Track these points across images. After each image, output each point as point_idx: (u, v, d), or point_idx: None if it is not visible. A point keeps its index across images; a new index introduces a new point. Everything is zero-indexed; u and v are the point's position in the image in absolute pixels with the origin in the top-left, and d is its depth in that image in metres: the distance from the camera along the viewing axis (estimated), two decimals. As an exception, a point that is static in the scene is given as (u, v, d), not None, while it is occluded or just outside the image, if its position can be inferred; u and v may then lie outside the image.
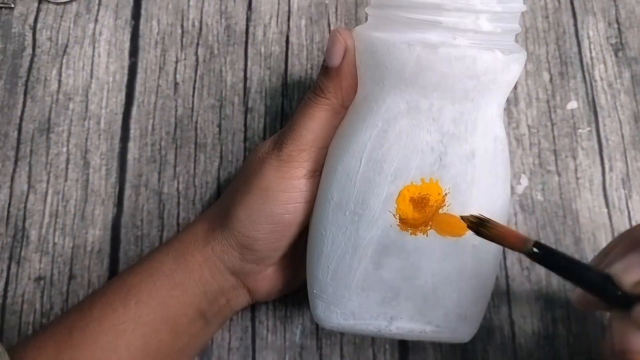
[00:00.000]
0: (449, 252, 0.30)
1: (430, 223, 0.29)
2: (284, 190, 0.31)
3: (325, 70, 0.31)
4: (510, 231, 0.27)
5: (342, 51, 0.30)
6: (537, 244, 0.25)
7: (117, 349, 0.31)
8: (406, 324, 0.31)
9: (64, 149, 0.42)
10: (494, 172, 0.30)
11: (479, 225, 0.27)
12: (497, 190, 0.30)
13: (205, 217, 0.35)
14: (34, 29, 0.45)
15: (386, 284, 0.30)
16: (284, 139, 0.32)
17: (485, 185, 0.30)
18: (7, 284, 0.39)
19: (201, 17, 0.45)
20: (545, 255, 0.26)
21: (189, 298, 0.33)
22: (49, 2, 0.45)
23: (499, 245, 0.28)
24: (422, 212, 0.29)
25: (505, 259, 0.39)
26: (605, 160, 0.41)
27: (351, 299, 0.30)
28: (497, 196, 0.30)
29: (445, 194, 0.29)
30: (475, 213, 0.27)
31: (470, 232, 0.28)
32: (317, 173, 0.32)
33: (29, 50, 0.44)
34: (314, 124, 0.31)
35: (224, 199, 0.35)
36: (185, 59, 0.44)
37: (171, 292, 0.33)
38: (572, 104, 0.42)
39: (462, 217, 0.27)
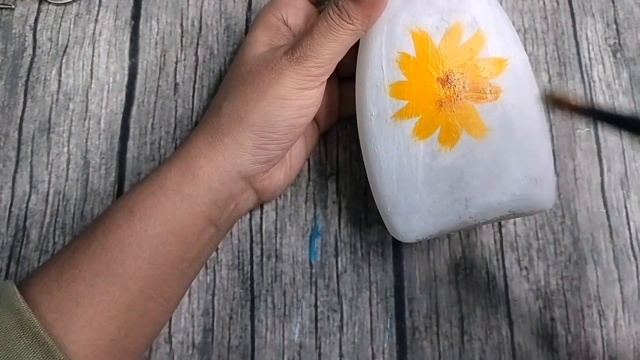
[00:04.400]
0: (493, 116, 0.31)
1: (464, 95, 0.31)
2: (300, 98, 0.33)
3: (356, 0, 0.31)
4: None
5: None
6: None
7: (123, 263, 0.31)
8: (482, 201, 0.31)
9: (65, 149, 0.42)
10: (500, 32, 0.32)
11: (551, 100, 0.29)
12: (513, 46, 0.32)
13: (204, 130, 0.35)
14: (34, 30, 0.45)
15: (448, 169, 0.31)
16: (304, 53, 0.32)
17: (499, 46, 0.32)
18: (7, 283, 0.39)
19: (201, 17, 0.45)
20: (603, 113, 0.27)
21: (198, 208, 0.33)
22: (49, 2, 0.45)
23: (539, 102, 0.31)
24: (452, 88, 0.31)
25: (504, 259, 0.39)
26: (604, 161, 0.41)
27: (423, 198, 0.31)
28: (508, 48, 0.32)
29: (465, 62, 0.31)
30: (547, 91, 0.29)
31: (503, 94, 0.31)
32: (328, 79, 0.34)
33: (29, 51, 0.44)
34: (336, 46, 0.32)
35: (224, 107, 0.35)
36: (185, 59, 0.44)
37: (178, 204, 0.33)
38: (571, 105, 0.42)
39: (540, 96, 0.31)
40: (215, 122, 0.34)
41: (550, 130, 0.42)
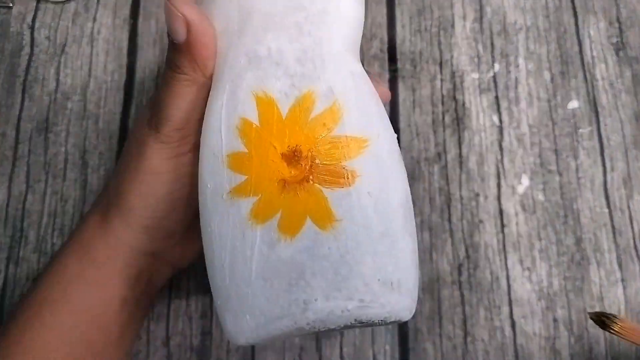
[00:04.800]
0: (345, 206, 0.26)
1: (311, 177, 0.26)
2: (172, 170, 0.30)
3: (174, 45, 0.28)
4: (636, 327, 0.26)
5: (184, 26, 0.27)
6: None
7: None
8: (323, 305, 0.25)
9: (62, 149, 0.42)
10: (362, 107, 0.27)
11: (603, 321, 0.27)
12: (377, 125, 0.28)
13: (95, 210, 0.33)
14: (32, 28, 0.44)
15: (287, 263, 0.26)
16: (158, 119, 0.29)
17: (358, 124, 0.27)
18: (5, 284, 0.39)
19: (200, 16, 0.45)
20: None
21: (108, 292, 0.31)
22: (47, 1, 0.45)
23: (402, 191, 0.27)
24: (298, 167, 0.26)
25: (506, 258, 0.39)
26: (607, 160, 0.41)
27: (256, 295, 0.26)
28: (370, 126, 0.27)
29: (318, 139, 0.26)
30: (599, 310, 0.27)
31: (359, 180, 0.26)
32: None
33: (27, 50, 0.44)
34: (181, 102, 0.29)
35: (110, 185, 0.33)
36: (184, 58, 0.44)
37: (85, 291, 0.31)
38: (573, 104, 0.42)
39: (589, 313, 0.29)
40: (104, 201, 0.32)
41: (552, 131, 0.41)
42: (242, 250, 0.26)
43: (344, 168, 0.26)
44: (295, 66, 0.27)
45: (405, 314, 0.27)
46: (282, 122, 0.27)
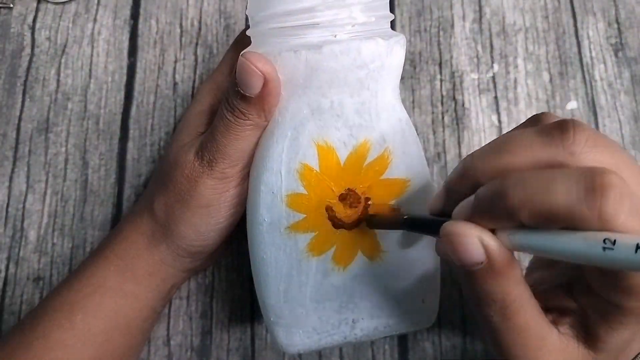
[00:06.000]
0: (389, 239, 0.30)
1: (362, 217, 0.30)
2: (223, 202, 0.32)
3: (242, 96, 0.29)
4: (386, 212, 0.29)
5: (261, 81, 0.28)
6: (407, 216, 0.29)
7: None
8: (369, 323, 0.31)
9: (63, 149, 0.42)
10: (407, 152, 0.31)
11: (368, 220, 0.30)
12: (417, 166, 0.31)
13: (141, 229, 0.34)
14: (32, 29, 0.45)
15: (338, 289, 0.30)
16: (212, 157, 0.31)
17: (404, 166, 0.30)
18: (5, 284, 0.39)
19: (200, 17, 0.45)
20: (411, 219, 0.28)
21: (141, 303, 0.33)
22: (48, 2, 0.45)
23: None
24: (353, 208, 0.30)
25: (505, 259, 0.39)
26: (605, 161, 0.41)
27: (309, 314, 0.30)
28: (412, 168, 0.31)
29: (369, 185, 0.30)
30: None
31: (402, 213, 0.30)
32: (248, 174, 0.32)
33: (27, 50, 0.44)
34: (241, 143, 0.30)
35: (157, 211, 0.33)
36: (184, 58, 0.44)
37: (121, 301, 0.33)
38: (572, 104, 0.42)
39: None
40: (151, 224, 0.33)
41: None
42: (298, 276, 0.30)
43: (390, 206, 0.30)
44: (354, 117, 0.29)
45: (429, 323, 0.33)
46: (340, 168, 0.30)
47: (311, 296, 0.30)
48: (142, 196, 0.35)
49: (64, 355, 0.31)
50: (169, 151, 0.33)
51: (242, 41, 0.33)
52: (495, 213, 0.23)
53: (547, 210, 0.21)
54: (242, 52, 0.29)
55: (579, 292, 0.26)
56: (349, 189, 0.30)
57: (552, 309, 0.27)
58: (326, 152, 0.29)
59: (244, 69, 0.28)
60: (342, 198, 0.30)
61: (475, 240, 0.23)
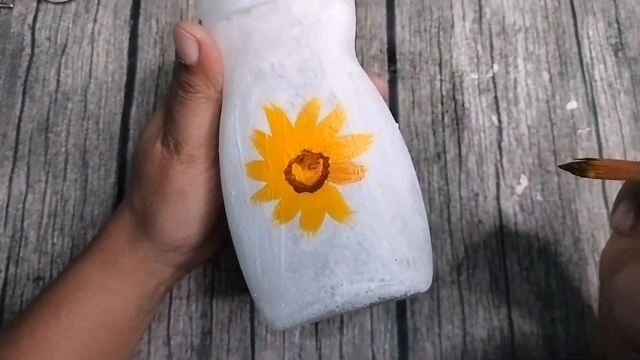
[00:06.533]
0: (357, 198, 0.28)
1: (325, 176, 0.28)
2: (197, 187, 0.31)
3: (184, 67, 0.29)
4: (619, 163, 0.26)
5: (195, 46, 0.28)
6: None
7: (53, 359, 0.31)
8: (349, 289, 0.28)
9: (63, 149, 0.42)
10: (363, 106, 0.29)
11: (584, 169, 0.26)
12: (378, 120, 0.30)
13: (123, 226, 0.33)
14: (32, 29, 0.45)
15: (312, 255, 0.28)
16: (176, 140, 0.30)
17: (362, 121, 0.29)
18: (5, 284, 0.39)
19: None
20: None
21: (126, 300, 0.33)
22: (48, 1, 0.45)
23: (408, 176, 0.30)
24: (312, 169, 0.29)
25: (505, 260, 0.39)
26: (605, 161, 0.41)
27: (287, 286, 0.29)
28: (373, 122, 0.30)
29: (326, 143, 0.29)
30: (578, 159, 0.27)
31: (368, 173, 0.28)
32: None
33: (27, 50, 0.44)
34: (200, 119, 0.30)
35: (135, 205, 0.33)
36: (184, 58, 0.44)
37: (105, 298, 0.32)
38: (572, 104, 0.42)
39: (561, 166, 0.27)
40: (132, 220, 0.33)
41: (551, 132, 0.42)
42: (270, 247, 0.29)
43: (353, 164, 0.28)
44: (298, 77, 0.29)
45: (423, 286, 0.30)
46: (292, 129, 0.29)
47: (286, 266, 0.29)
48: (125, 194, 0.35)
49: (49, 351, 0.31)
50: (136, 148, 0.33)
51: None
52: None
53: None
54: (176, 23, 0.29)
55: None
56: (304, 150, 0.28)
57: None
58: (275, 115, 0.29)
59: (178, 37, 0.28)
60: (300, 160, 0.29)
61: None
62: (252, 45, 0.29)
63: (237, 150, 0.29)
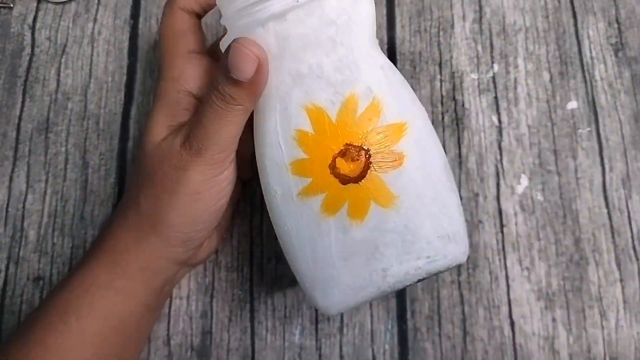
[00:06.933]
0: (399, 184, 0.30)
1: (368, 167, 0.30)
2: (213, 187, 0.32)
3: (234, 81, 0.29)
4: None
5: (254, 64, 0.29)
6: None
7: None
8: (399, 269, 0.30)
9: (63, 149, 0.42)
10: (396, 95, 0.31)
11: None
12: (410, 108, 0.32)
13: (127, 226, 0.34)
14: (32, 29, 0.45)
15: (361, 242, 0.30)
16: (202, 144, 0.31)
17: (396, 110, 0.31)
18: (5, 284, 0.39)
19: (200, 17, 0.45)
20: None
21: (134, 300, 0.33)
22: (48, 1, 0.45)
23: (440, 157, 0.32)
24: (355, 162, 0.30)
25: (505, 259, 0.39)
26: (606, 161, 0.41)
27: (340, 273, 0.30)
28: (406, 110, 0.31)
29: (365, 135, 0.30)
30: None
31: (407, 159, 0.30)
32: (235, 158, 0.33)
33: (27, 50, 0.44)
34: (231, 129, 0.31)
35: (143, 205, 0.33)
36: (184, 58, 0.44)
37: (114, 299, 0.32)
38: (572, 104, 0.42)
39: None
40: (137, 219, 0.33)
41: (552, 131, 0.42)
42: (320, 239, 0.30)
43: (393, 152, 0.30)
44: (335, 75, 0.30)
45: (462, 257, 0.32)
46: (333, 126, 0.30)
47: (337, 255, 0.30)
48: (125, 194, 0.35)
49: (64, 358, 0.31)
50: (146, 148, 0.33)
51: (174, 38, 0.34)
52: None
53: None
54: (234, 39, 0.29)
55: None
56: (347, 144, 0.30)
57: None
58: (316, 114, 0.30)
59: (239, 54, 0.29)
60: (343, 154, 0.30)
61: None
62: (290, 49, 0.30)
63: (281, 151, 0.30)
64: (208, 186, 0.32)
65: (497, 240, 0.39)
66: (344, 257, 0.30)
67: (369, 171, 0.30)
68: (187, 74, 0.33)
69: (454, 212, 0.32)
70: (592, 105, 0.42)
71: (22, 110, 0.43)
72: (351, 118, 0.30)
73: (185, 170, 0.31)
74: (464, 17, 0.44)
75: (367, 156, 0.30)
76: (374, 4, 0.32)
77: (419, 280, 0.31)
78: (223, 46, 0.31)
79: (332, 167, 0.30)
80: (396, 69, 0.32)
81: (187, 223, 0.32)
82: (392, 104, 0.31)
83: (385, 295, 0.33)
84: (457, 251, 0.31)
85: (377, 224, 0.30)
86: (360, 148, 0.30)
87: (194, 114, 0.33)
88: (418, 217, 0.30)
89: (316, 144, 0.30)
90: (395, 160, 0.30)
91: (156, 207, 0.32)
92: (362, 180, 0.30)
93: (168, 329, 0.38)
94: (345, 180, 0.30)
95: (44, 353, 0.31)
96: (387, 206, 0.30)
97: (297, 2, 0.29)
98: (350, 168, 0.30)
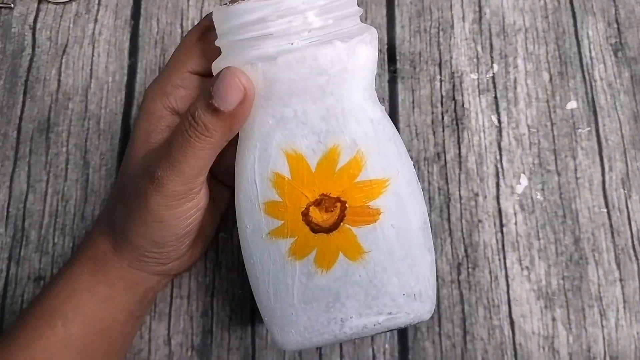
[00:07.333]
0: (371, 239, 0.30)
1: (341, 219, 0.30)
2: (178, 216, 0.31)
3: (215, 111, 0.28)
4: None
5: (240, 96, 0.27)
6: None
7: None
8: (358, 322, 0.30)
9: (64, 149, 0.42)
10: (382, 151, 0.30)
11: None
12: (396, 164, 0.30)
13: (106, 235, 0.33)
14: (33, 29, 0.45)
15: (324, 290, 0.30)
16: (164, 173, 0.29)
17: (380, 166, 0.30)
18: (6, 284, 0.39)
19: (201, 17, 0.45)
20: None
21: (117, 306, 0.33)
22: (49, 2, 0.45)
23: (420, 215, 0.31)
24: (329, 212, 0.30)
25: (505, 258, 0.39)
26: (605, 160, 0.41)
27: (298, 314, 0.30)
28: (390, 166, 0.30)
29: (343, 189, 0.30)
30: None
31: (383, 215, 0.29)
32: (205, 183, 0.32)
33: (28, 50, 0.44)
34: (197, 161, 0.29)
35: (117, 221, 0.33)
36: (185, 58, 0.44)
37: (98, 305, 0.33)
38: (572, 104, 0.42)
39: None
40: (112, 233, 0.33)
41: (551, 131, 0.42)
42: (284, 279, 0.30)
43: (369, 207, 0.30)
44: (320, 124, 0.29)
45: (426, 315, 0.31)
46: (311, 174, 0.29)
47: (298, 297, 0.30)
48: (109, 199, 0.35)
49: None
50: (125, 160, 0.33)
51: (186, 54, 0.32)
52: None
53: None
54: (226, 66, 0.28)
55: None
56: (323, 194, 0.29)
57: None
58: (295, 160, 0.29)
59: (228, 81, 0.27)
60: (317, 203, 0.29)
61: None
62: (276, 93, 0.29)
63: (255, 189, 0.30)
64: (172, 215, 0.30)
65: (497, 240, 0.39)
66: (304, 301, 0.30)
67: (342, 223, 0.30)
68: (178, 92, 0.32)
69: (425, 270, 0.31)
70: (592, 105, 0.42)
71: (22, 111, 0.43)
72: (331, 169, 0.29)
73: (147, 199, 0.30)
74: (463, 18, 0.45)
75: (342, 209, 0.30)
76: (377, 49, 0.30)
77: (375, 334, 0.31)
78: (214, 70, 0.30)
79: (305, 215, 0.30)
80: (389, 122, 0.31)
81: (154, 245, 0.32)
82: (376, 160, 0.30)
83: (340, 342, 0.33)
84: (421, 310, 0.31)
85: (342, 275, 0.30)
86: (337, 200, 0.29)
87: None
88: (385, 274, 0.30)
89: (291, 190, 0.30)
90: (371, 216, 0.30)
91: (125, 224, 0.32)
92: (334, 232, 0.30)
93: (168, 328, 0.38)
94: (316, 229, 0.30)
95: (30, 357, 0.31)
96: (355, 260, 0.30)
97: (292, 45, 0.28)
98: (323, 218, 0.30)
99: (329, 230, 0.30)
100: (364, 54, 0.29)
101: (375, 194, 0.30)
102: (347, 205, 0.29)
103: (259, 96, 0.29)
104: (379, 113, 0.31)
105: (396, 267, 0.30)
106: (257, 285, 0.31)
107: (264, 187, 0.30)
